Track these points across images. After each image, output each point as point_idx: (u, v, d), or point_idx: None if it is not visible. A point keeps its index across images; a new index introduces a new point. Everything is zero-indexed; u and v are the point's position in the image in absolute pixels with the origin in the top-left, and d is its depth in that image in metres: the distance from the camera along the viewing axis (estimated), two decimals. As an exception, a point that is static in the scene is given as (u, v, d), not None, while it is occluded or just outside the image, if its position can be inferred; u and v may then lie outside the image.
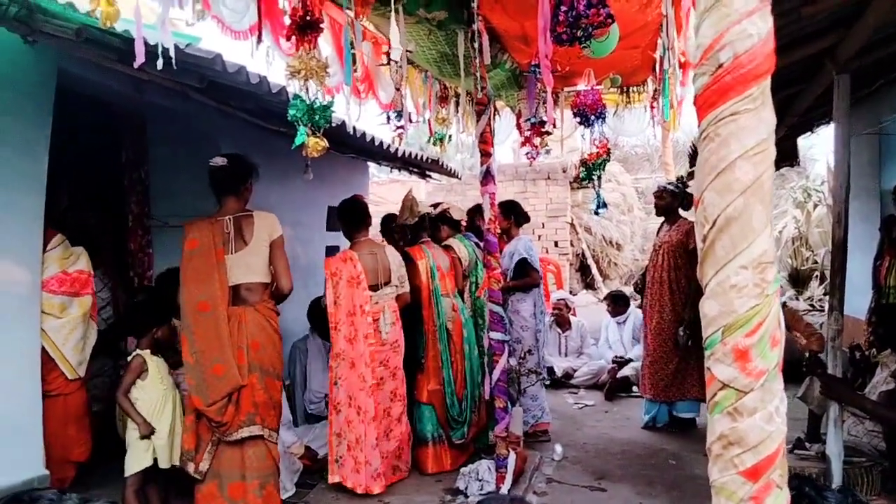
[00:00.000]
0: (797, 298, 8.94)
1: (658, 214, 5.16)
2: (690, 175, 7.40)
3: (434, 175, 8.55)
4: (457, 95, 5.41)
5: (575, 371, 6.59)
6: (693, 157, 6.81)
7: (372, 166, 7.95)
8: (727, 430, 1.00)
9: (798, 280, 9.58)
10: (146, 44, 2.76)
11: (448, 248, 4.50)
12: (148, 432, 3.02)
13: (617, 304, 6.80)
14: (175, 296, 3.13)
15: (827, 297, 6.86)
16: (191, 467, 3.02)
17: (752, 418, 0.99)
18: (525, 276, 4.75)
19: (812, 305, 8.70)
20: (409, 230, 4.35)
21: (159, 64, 2.42)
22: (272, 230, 3.16)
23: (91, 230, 3.64)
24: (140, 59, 2.22)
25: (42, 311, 3.16)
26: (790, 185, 11.72)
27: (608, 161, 4.93)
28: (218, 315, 2.98)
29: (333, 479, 3.68)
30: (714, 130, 1.00)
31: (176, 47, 2.59)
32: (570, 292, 10.33)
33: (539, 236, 10.99)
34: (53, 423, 3.11)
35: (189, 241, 3.09)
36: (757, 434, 0.99)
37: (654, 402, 4.94)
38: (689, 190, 5.14)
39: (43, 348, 3.15)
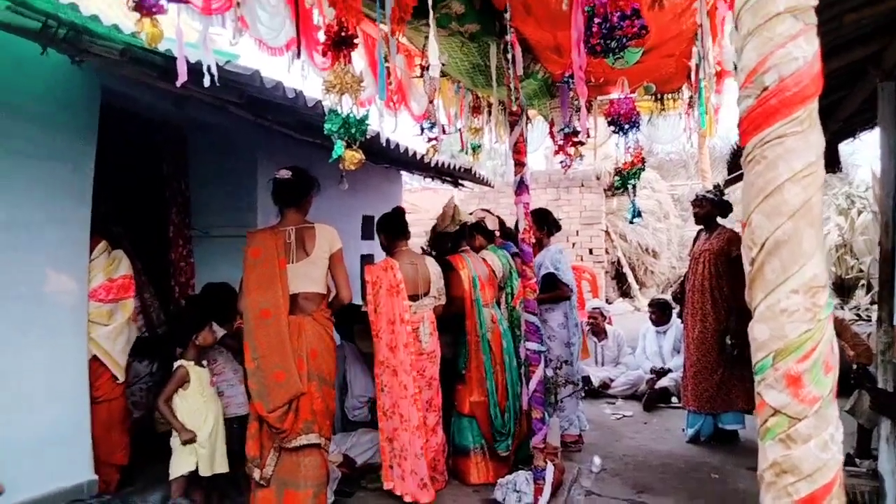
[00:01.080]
0: (842, 308, 8.67)
1: (697, 223, 5.07)
2: (728, 182, 7.26)
3: (466, 183, 8.56)
4: (489, 105, 5.42)
5: (612, 381, 6.50)
6: (732, 163, 6.68)
7: (405, 175, 8.01)
8: (780, 458, 0.97)
9: (843, 289, 9.30)
10: (187, 61, 2.85)
11: (482, 259, 4.49)
12: (188, 438, 3.09)
13: (661, 311, 6.68)
14: (216, 311, 3.19)
15: (873, 307, 6.65)
16: (256, 474, 3.08)
17: (807, 446, 0.96)
18: (553, 289, 4.71)
19: (858, 315, 8.43)
20: (449, 239, 4.36)
21: (205, 82, 2.49)
22: (332, 242, 3.25)
23: (120, 238, 3.74)
24: (182, 77, 2.28)
25: (92, 321, 3.27)
26: (833, 192, 11.42)
27: (643, 170, 4.86)
28: (280, 322, 3.05)
29: (388, 485, 3.69)
30: (760, 153, 0.99)
31: (216, 65, 2.66)
32: (606, 301, 10.22)
33: (573, 244, 10.91)
34: (99, 428, 3.23)
35: (252, 249, 3.17)
36: (812, 462, 0.96)
37: (698, 414, 4.83)
38: (726, 198, 5.06)
39: (94, 356, 3.25)
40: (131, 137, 4.29)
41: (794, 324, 0.97)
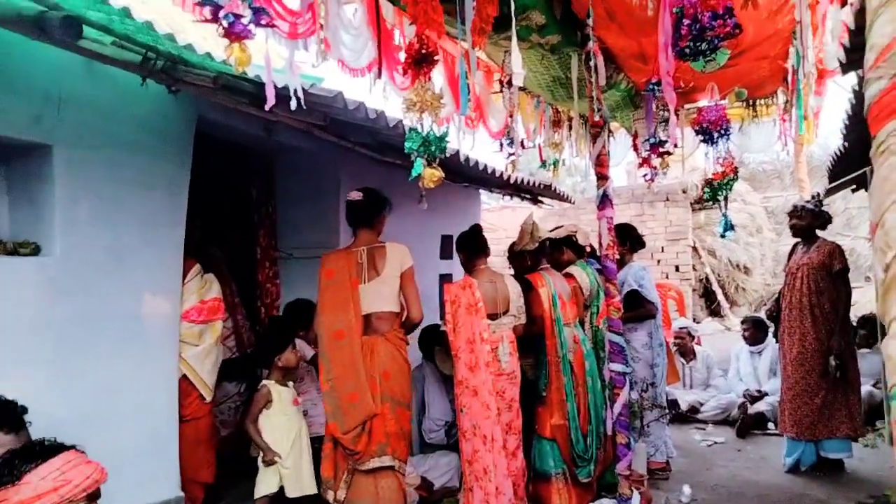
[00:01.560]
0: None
1: (795, 235, 4.76)
2: (829, 192, 6.79)
3: (545, 200, 8.44)
4: (569, 119, 5.32)
5: (702, 405, 6.15)
6: (833, 171, 6.24)
7: (483, 193, 7.99)
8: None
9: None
10: (275, 86, 2.95)
11: (569, 276, 4.37)
12: (271, 458, 3.13)
13: (756, 329, 6.29)
14: (299, 324, 3.24)
15: None
16: (330, 495, 3.10)
17: None
18: (637, 307, 4.51)
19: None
20: (528, 256, 4.27)
21: (293, 105, 2.57)
22: (403, 261, 3.25)
23: (212, 260, 3.88)
24: (271, 101, 2.35)
25: (182, 341, 3.39)
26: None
27: (735, 181, 4.61)
28: (353, 343, 3.07)
29: None
30: (895, 143, 0.86)
31: (302, 88, 2.74)
32: (694, 320, 9.76)
33: (658, 261, 10.52)
34: (185, 446, 3.31)
35: (326, 271, 3.22)
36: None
37: (797, 441, 4.47)
38: (825, 209, 4.75)
39: (183, 375, 3.37)
40: (223, 163, 4.49)
41: (939, 341, 0.84)
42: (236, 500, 3.61)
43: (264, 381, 3.27)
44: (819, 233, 4.67)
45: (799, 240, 4.74)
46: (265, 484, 3.17)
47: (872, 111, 0.89)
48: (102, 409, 2.88)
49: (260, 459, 3.18)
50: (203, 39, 4.59)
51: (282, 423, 3.21)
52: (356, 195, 3.26)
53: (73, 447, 1.98)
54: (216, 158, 4.27)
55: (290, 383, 3.44)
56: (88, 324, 2.84)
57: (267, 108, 2.42)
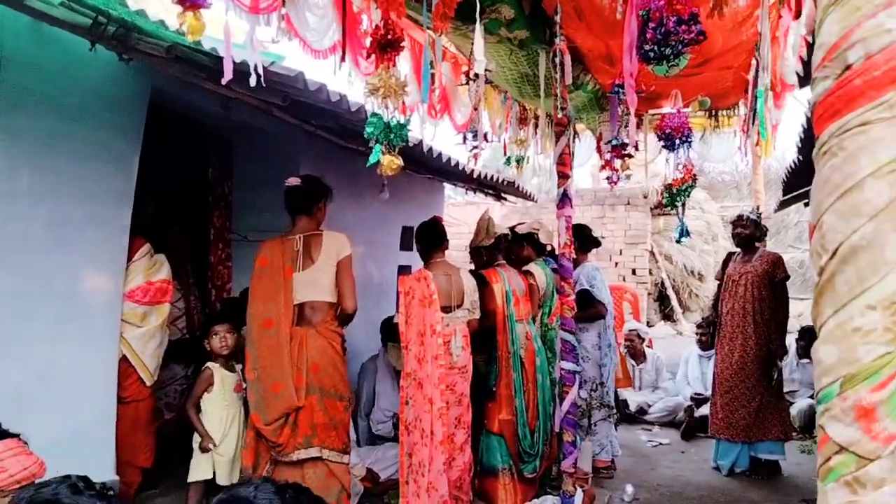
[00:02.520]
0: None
1: (738, 244, 4.87)
2: (783, 204, 6.97)
3: (509, 198, 8.45)
4: (536, 117, 5.32)
5: (649, 406, 6.25)
6: (788, 183, 6.41)
7: (448, 188, 7.96)
8: (844, 505, 0.83)
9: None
10: (234, 62, 2.85)
11: (526, 273, 4.37)
12: (207, 445, 3.04)
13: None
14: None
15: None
16: None
17: (879, 493, 0.81)
18: (587, 307, 4.55)
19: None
20: (484, 252, 4.26)
21: (252, 81, 2.49)
22: (340, 249, 3.18)
23: (170, 240, 3.76)
24: (228, 75, 2.27)
25: (125, 321, 3.27)
26: None
27: (694, 187, 4.69)
28: (281, 333, 3.01)
29: (403, 501, 3.59)
30: (838, 143, 0.85)
31: (262, 66, 2.65)
32: (647, 323, 9.93)
33: (616, 263, 10.67)
34: (124, 429, 3.20)
35: (261, 258, 3.15)
36: (885, 513, 0.81)
37: (732, 443, 4.60)
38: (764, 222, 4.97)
39: (124, 356, 3.26)
40: (179, 139, 4.35)
41: (870, 346, 0.83)
42: (174, 485, 3.51)
43: (208, 364, 3.19)
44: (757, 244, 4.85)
45: (737, 250, 4.89)
46: (199, 470, 3.09)
47: (817, 111, 0.88)
48: (36, 389, 2.76)
49: (196, 444, 3.09)
50: (166, 11, 4.44)
51: (220, 408, 3.13)
52: (294, 181, 3.20)
53: (17, 436, 1.89)
54: (172, 134, 4.14)
55: (239, 367, 3.35)
56: (23, 302, 2.71)
57: (223, 81, 2.34)
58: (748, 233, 4.73)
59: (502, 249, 4.26)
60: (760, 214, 4.93)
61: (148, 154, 3.37)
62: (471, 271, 4.15)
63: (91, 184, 2.99)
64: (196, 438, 3.10)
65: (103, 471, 3.03)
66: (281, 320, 3.01)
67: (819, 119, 0.88)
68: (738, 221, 4.82)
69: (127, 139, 3.18)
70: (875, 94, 0.83)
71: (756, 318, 4.55)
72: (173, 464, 3.54)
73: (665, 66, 2.62)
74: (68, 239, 2.90)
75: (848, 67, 0.85)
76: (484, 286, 3.98)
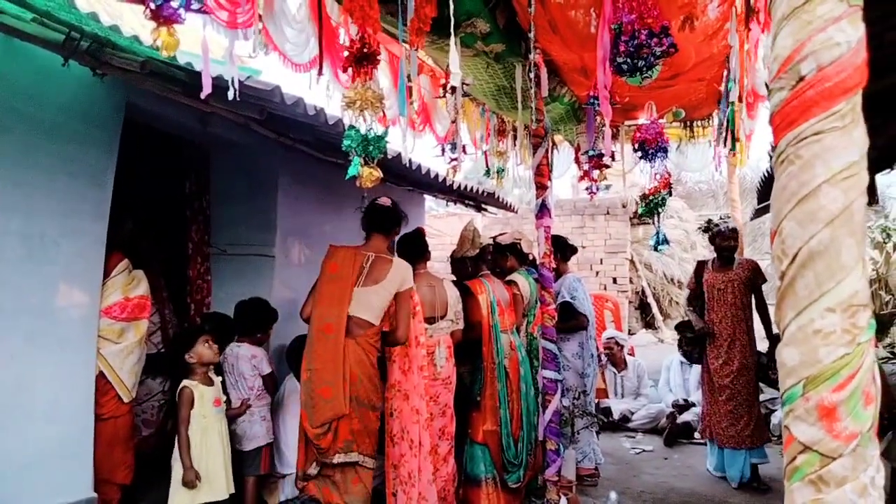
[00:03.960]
0: (876, 345, 8.35)
1: (722, 255, 4.84)
2: (758, 212, 7.08)
3: (490, 209, 8.50)
4: (514, 129, 5.38)
5: (632, 414, 6.29)
6: (762, 192, 6.53)
7: (429, 200, 7.97)
8: (809, 503, 0.85)
9: (877, 325, 8.96)
10: (210, 76, 2.85)
11: (512, 283, 4.38)
12: (191, 480, 2.98)
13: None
14: (253, 325, 3.45)
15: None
16: (300, 485, 3.16)
17: (842, 490, 0.83)
18: (569, 319, 4.59)
19: (892, 353, 8.11)
20: (469, 263, 4.27)
21: (230, 95, 2.50)
22: (405, 280, 3.31)
23: (147, 255, 3.73)
24: (207, 89, 2.28)
25: (102, 337, 3.22)
26: (868, 225, 11.11)
27: (669, 196, 4.77)
28: (339, 340, 3.11)
29: None
30: (794, 152, 0.88)
31: (238, 80, 2.66)
32: (629, 331, 10.00)
33: (597, 272, 10.74)
34: (102, 446, 3.14)
35: (331, 264, 3.26)
36: (847, 509, 0.83)
37: (738, 451, 4.56)
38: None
39: (101, 372, 3.21)
40: (156, 154, 4.32)
41: (830, 347, 0.86)
42: (153, 503, 3.44)
43: (185, 383, 3.13)
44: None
45: (708, 259, 4.97)
46: (179, 498, 3.02)
47: (774, 120, 0.91)
48: (11, 406, 2.71)
49: (175, 471, 3.02)
50: (142, 27, 4.42)
51: (198, 423, 3.07)
52: (386, 200, 3.36)
53: None
54: (148, 148, 4.11)
55: (219, 379, 3.31)
56: (-3, 316, 2.66)
57: (203, 96, 2.34)
58: (734, 245, 4.81)
59: (487, 260, 4.28)
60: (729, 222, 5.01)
61: (124, 169, 3.34)
62: (454, 282, 4.16)
63: (66, 198, 2.96)
64: (175, 457, 3.04)
65: (81, 489, 2.98)
66: (340, 328, 3.12)
67: (776, 128, 0.91)
68: (725, 234, 4.80)
69: (102, 154, 3.16)
70: (827, 105, 0.87)
71: (748, 324, 4.65)
72: (153, 481, 3.48)
73: (639, 77, 2.67)
74: (42, 253, 2.86)
75: (801, 79, 0.89)
76: (468, 297, 4.00)
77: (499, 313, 4.05)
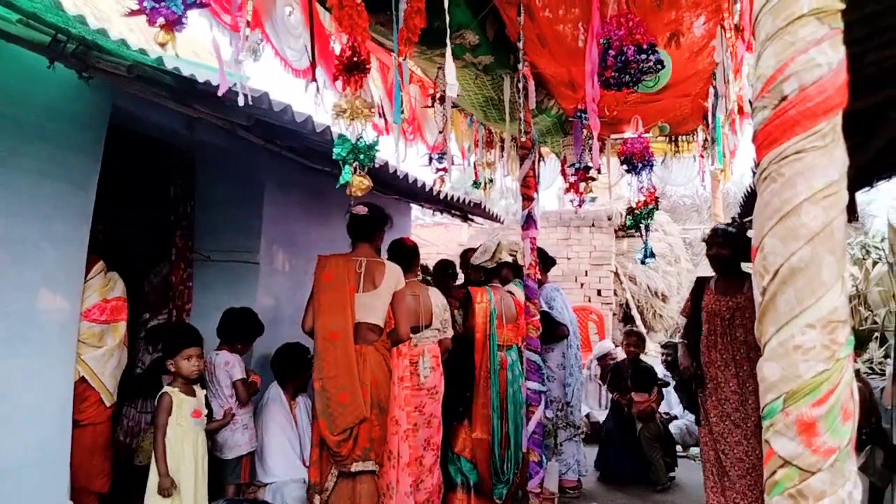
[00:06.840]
0: (855, 361, 8.44)
1: (717, 268, 3.63)
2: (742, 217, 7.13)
3: (476, 219, 8.52)
4: (502, 140, 5.41)
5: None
6: (745, 207, 6.58)
7: (416, 209, 7.97)
8: (788, 517, 0.87)
9: (856, 341, 9.05)
10: (198, 82, 2.84)
11: (511, 294, 4.41)
12: (167, 488, 2.92)
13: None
14: (240, 334, 3.50)
15: (887, 360, 6.47)
16: (317, 500, 3.13)
17: None
18: (549, 329, 4.60)
19: (871, 368, 8.20)
20: (483, 271, 4.35)
21: (240, 101, 2.52)
22: (398, 281, 3.43)
23: (137, 260, 3.69)
24: (224, 88, 2.33)
25: (82, 342, 3.18)
26: (848, 241, 11.26)
27: (656, 209, 4.80)
28: (348, 346, 3.19)
29: None
30: (776, 170, 0.90)
31: (228, 87, 2.64)
32: (613, 342, 10.03)
33: (582, 284, 10.78)
34: (80, 453, 3.09)
35: (325, 273, 3.33)
36: (825, 523, 0.84)
37: None
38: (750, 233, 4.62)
39: (82, 378, 3.16)
40: (141, 159, 4.29)
41: (809, 363, 0.88)
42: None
43: (166, 389, 3.08)
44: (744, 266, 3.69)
45: (718, 274, 3.65)
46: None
47: (757, 139, 0.93)
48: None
49: (152, 482, 2.96)
50: (129, 31, 4.40)
51: (173, 431, 3.01)
52: (361, 209, 3.38)
53: None
54: (133, 153, 4.07)
55: (203, 392, 3.26)
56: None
57: (220, 93, 2.37)
58: (726, 253, 3.55)
59: (501, 276, 4.35)
60: (744, 224, 3.79)
61: (109, 172, 3.31)
62: (461, 284, 4.20)
63: (49, 202, 2.92)
64: (153, 468, 2.97)
65: (58, 496, 2.92)
66: (348, 335, 3.20)
67: (759, 146, 0.93)
68: (713, 239, 3.62)
69: (86, 157, 3.12)
70: (809, 124, 0.89)
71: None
72: (131, 489, 3.43)
73: (649, 82, 2.70)
74: (24, 257, 2.82)
75: (784, 98, 0.91)
76: (468, 302, 4.03)
77: (497, 325, 4.06)
